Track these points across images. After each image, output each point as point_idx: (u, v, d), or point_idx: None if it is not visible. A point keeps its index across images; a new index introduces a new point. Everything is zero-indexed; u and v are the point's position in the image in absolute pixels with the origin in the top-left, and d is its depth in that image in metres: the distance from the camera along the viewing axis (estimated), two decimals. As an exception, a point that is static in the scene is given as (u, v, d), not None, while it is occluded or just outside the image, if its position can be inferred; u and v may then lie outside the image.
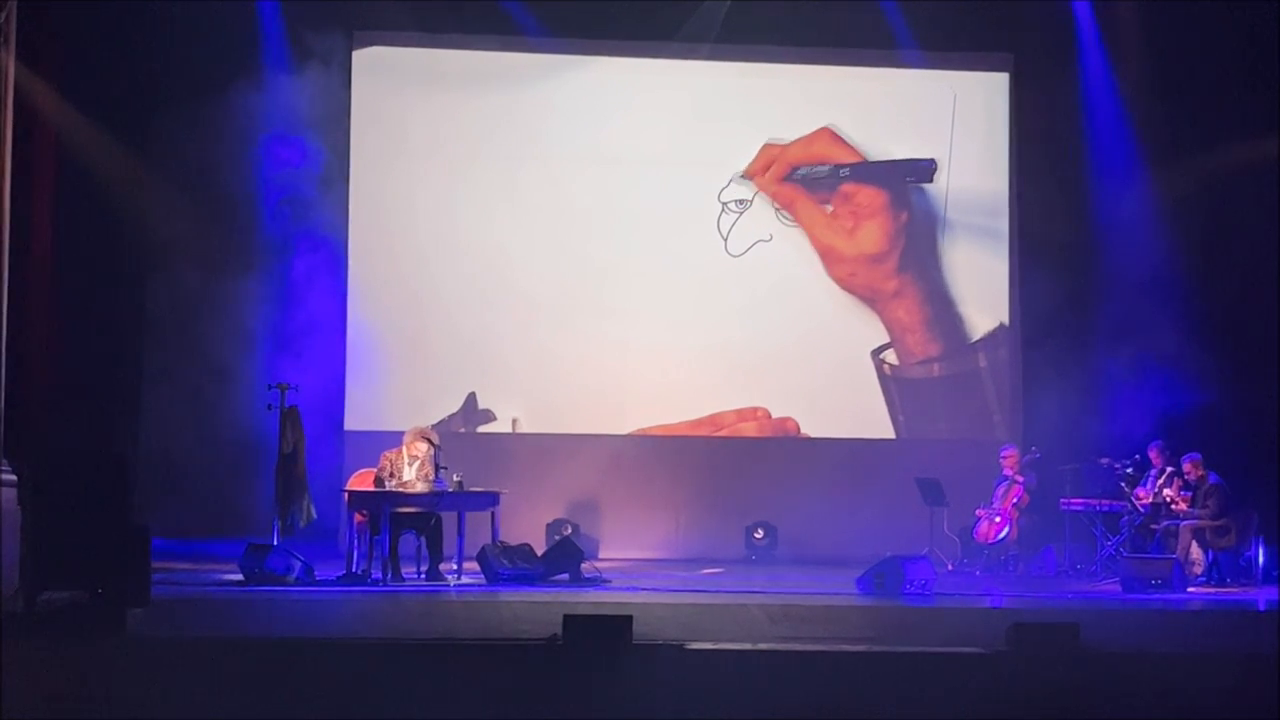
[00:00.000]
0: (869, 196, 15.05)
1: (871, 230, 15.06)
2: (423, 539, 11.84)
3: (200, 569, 12.07)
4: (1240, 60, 13.95)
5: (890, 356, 15.01)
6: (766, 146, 14.92)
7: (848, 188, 15.01)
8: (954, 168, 15.06)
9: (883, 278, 15.06)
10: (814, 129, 14.97)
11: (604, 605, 10.02)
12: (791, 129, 14.95)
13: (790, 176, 14.93)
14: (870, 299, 15.03)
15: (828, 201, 15.00)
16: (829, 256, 15.00)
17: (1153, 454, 12.97)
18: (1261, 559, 12.54)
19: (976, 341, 15.10)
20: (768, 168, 14.92)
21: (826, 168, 14.98)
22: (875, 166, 15.05)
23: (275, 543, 11.67)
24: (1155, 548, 12.46)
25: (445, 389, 14.48)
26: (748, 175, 14.93)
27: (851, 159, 15.02)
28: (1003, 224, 15.15)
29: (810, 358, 14.82)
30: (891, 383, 14.99)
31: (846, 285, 15.01)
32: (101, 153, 13.39)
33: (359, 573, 11.58)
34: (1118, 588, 11.82)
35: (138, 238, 13.94)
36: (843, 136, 15.01)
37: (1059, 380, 14.16)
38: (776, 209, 14.91)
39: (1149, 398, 13.82)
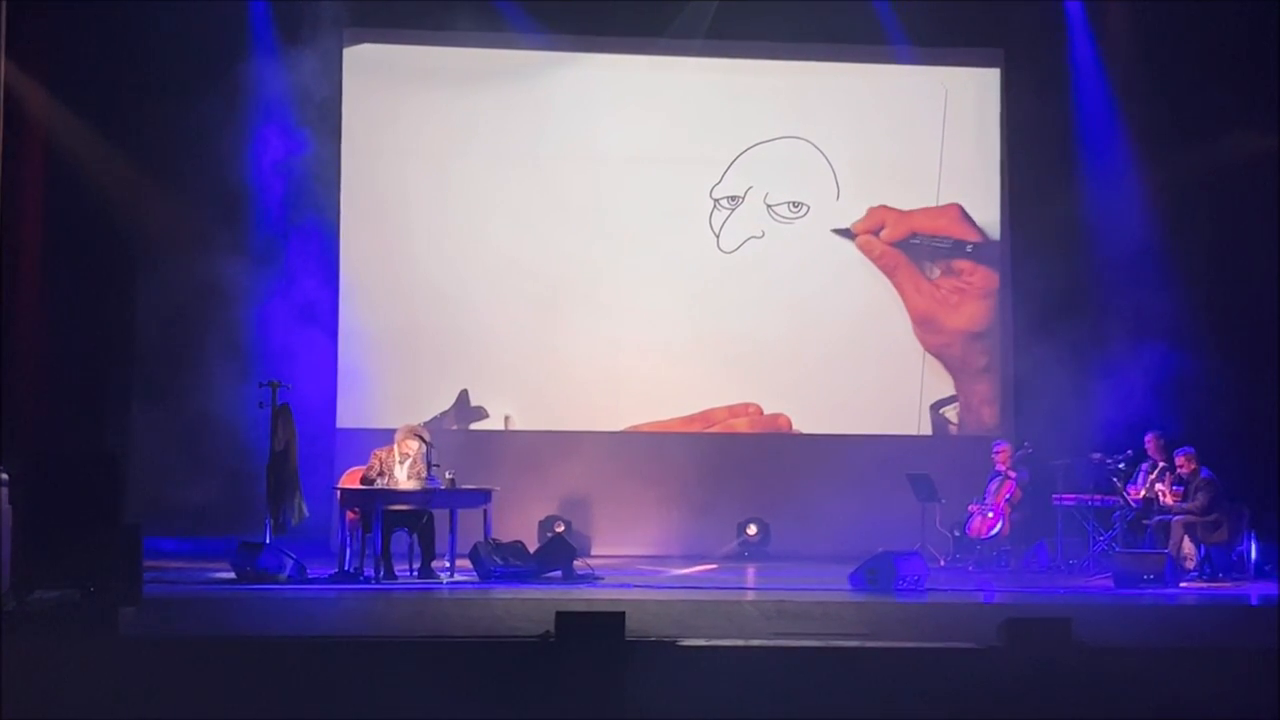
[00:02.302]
0: (984, 277, 14.98)
1: (979, 309, 14.98)
2: (415, 537, 11.81)
3: (192, 567, 12.06)
4: (1229, 55, 13.96)
5: (951, 414, 14.93)
6: (876, 209, 14.84)
7: (962, 264, 14.95)
8: (945, 164, 15.06)
9: (978, 354, 15.01)
10: (945, 203, 14.93)
11: (596, 602, 10.03)
12: (786, 127, 14.92)
13: (906, 241, 14.88)
14: (956, 370, 14.96)
15: (932, 272, 14.93)
16: (927, 325, 14.91)
17: (1149, 443, 12.97)
18: (1253, 554, 12.56)
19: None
20: (878, 228, 14.85)
21: (949, 240, 14.93)
22: (999, 248, 14.96)
23: (267, 541, 11.66)
24: (1147, 543, 12.47)
25: (437, 386, 14.46)
26: (854, 231, 14.84)
27: (974, 238, 14.96)
28: (994, 221, 15.16)
29: (803, 354, 14.80)
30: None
31: (937, 354, 14.93)
32: (91, 149, 13.36)
33: (351, 571, 11.56)
34: (1110, 583, 11.82)
35: (128, 234, 13.89)
36: (970, 216, 14.97)
37: (1051, 375, 14.15)
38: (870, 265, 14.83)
39: (1141, 393, 13.80)
